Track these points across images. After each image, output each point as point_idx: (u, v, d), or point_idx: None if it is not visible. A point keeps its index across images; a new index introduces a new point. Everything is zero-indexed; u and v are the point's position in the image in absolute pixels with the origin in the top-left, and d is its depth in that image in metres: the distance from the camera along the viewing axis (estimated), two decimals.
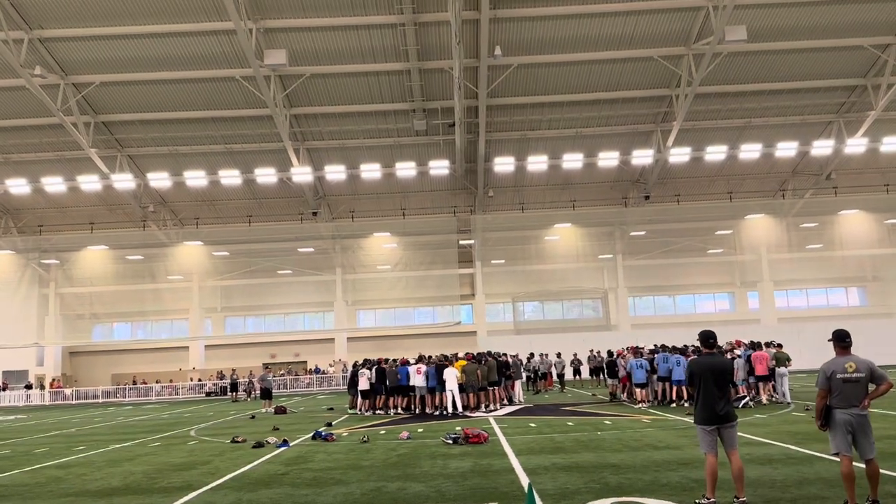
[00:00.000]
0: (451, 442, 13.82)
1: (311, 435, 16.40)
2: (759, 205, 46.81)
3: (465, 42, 31.41)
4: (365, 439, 15.01)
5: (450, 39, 31.23)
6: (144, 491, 10.27)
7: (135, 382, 46.19)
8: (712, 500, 7.60)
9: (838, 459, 7.34)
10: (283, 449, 14.43)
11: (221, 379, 45.16)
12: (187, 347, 49.47)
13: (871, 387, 7.26)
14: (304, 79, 35.08)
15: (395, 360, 23.39)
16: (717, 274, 50.80)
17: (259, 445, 14.91)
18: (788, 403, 19.57)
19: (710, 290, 52.06)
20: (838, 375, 7.22)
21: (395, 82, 36.23)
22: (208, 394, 44.21)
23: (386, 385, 22.26)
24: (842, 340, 7.43)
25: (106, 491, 10.42)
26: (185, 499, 9.49)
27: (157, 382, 45.82)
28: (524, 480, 9.70)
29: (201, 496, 9.65)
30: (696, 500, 7.80)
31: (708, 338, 7.98)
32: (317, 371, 47.16)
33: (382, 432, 16.62)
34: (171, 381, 46.15)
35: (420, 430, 16.67)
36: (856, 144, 39.52)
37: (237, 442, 15.91)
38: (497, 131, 39.64)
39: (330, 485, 10.04)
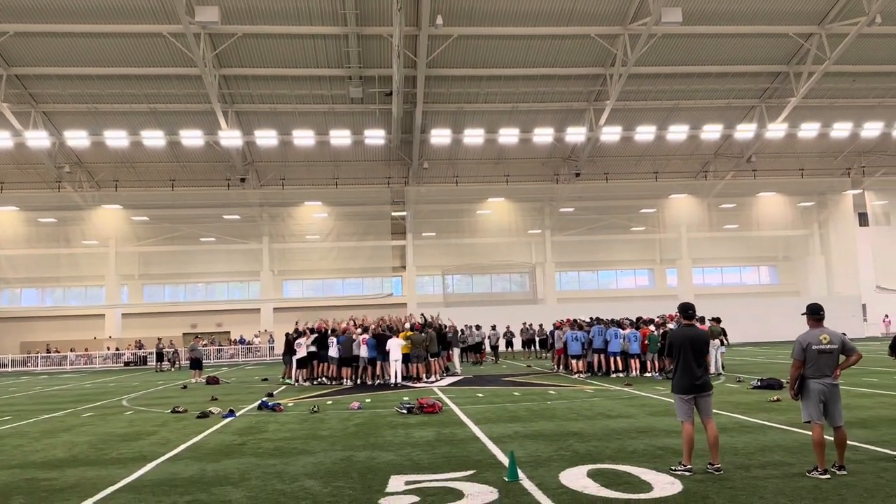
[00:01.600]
0: (405, 412, 13.73)
1: (256, 405, 16.01)
2: (681, 185, 48.29)
3: (406, 9, 30.90)
4: (315, 409, 14.76)
5: (390, 5, 30.62)
6: (95, 462, 9.77)
7: (48, 351, 44.01)
8: (689, 466, 7.80)
9: (803, 430, 7.66)
10: (230, 419, 14.02)
11: (140, 348, 43.62)
12: (103, 315, 47.41)
13: (842, 358, 7.60)
14: (235, 38, 33.82)
15: (333, 330, 23.02)
16: (639, 251, 52.35)
17: (204, 416, 14.43)
18: (719, 374, 20.39)
19: (631, 266, 53.66)
20: (813, 347, 7.50)
21: (331, 47, 35.36)
22: (127, 363, 42.60)
23: (328, 354, 21.82)
24: (815, 313, 7.71)
25: (53, 462, 9.86)
26: (145, 469, 9.08)
27: (71, 351, 43.83)
28: (493, 448, 9.74)
29: (161, 467, 9.26)
30: (672, 468, 7.98)
31: (687, 309, 8.14)
32: (241, 342, 46.12)
33: (329, 402, 16.39)
34: (86, 349, 44.22)
35: (368, 399, 16.52)
36: (776, 129, 41.22)
37: (178, 412, 15.36)
38: (434, 102, 39.34)
39: (295, 455, 9.81)
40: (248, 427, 12.79)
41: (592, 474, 7.89)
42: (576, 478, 7.76)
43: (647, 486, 7.27)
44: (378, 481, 7.96)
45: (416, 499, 7.09)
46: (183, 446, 10.81)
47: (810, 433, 9.57)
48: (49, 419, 15.29)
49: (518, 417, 12.81)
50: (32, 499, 7.70)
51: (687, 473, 7.70)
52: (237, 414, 14.64)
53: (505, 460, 8.84)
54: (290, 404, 16.22)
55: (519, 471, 8.02)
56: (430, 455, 9.43)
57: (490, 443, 10.19)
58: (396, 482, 7.87)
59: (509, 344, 34.29)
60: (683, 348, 7.91)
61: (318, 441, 10.90)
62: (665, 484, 7.34)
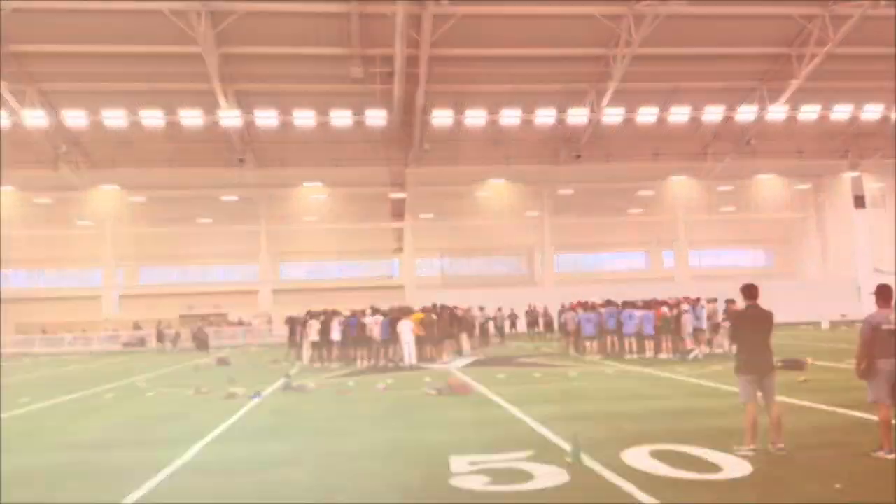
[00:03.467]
0: (434, 393, 13.69)
1: (279, 386, 15.94)
2: (681, 167, 48.25)
3: None
4: (342, 391, 14.69)
5: None
6: (140, 443, 9.69)
7: (44, 332, 43.64)
8: (752, 447, 7.79)
9: (848, 411, 7.65)
10: (257, 400, 13.92)
11: (138, 330, 43.35)
12: (99, 297, 47.03)
13: None
14: (236, 16, 33.24)
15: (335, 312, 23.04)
16: (636, 233, 52.36)
17: (230, 397, 14.33)
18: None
19: (628, 249, 53.78)
20: (883, 326, 7.50)
21: (333, 25, 34.85)
22: (125, 345, 42.32)
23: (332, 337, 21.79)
24: (885, 294, 7.69)
25: (96, 443, 9.77)
26: (195, 449, 8.98)
27: (68, 333, 43.48)
28: (540, 429, 9.70)
29: (210, 447, 9.18)
30: (736, 448, 7.96)
31: (750, 289, 8.09)
32: (241, 323, 45.92)
33: (351, 384, 16.32)
34: (83, 331, 43.87)
35: (390, 380, 16.44)
36: (777, 112, 41.21)
37: (202, 393, 15.26)
38: (436, 83, 38.95)
39: (342, 436, 9.76)
40: (280, 408, 12.71)
41: (656, 455, 7.87)
42: (640, 458, 7.74)
43: (715, 467, 7.27)
44: (438, 461, 7.90)
45: (487, 479, 7.06)
46: (223, 427, 10.71)
47: (857, 413, 9.73)
48: (72, 400, 15.15)
49: (551, 398, 12.80)
50: (93, 479, 7.61)
51: (751, 454, 7.69)
52: (263, 395, 14.55)
53: (557, 441, 8.84)
54: (313, 385, 16.15)
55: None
56: (480, 436, 9.40)
57: (535, 423, 10.14)
58: (459, 463, 7.81)
59: (512, 325, 34.37)
60: (747, 330, 7.88)
61: (358, 422, 10.85)
62: (733, 465, 7.34)
